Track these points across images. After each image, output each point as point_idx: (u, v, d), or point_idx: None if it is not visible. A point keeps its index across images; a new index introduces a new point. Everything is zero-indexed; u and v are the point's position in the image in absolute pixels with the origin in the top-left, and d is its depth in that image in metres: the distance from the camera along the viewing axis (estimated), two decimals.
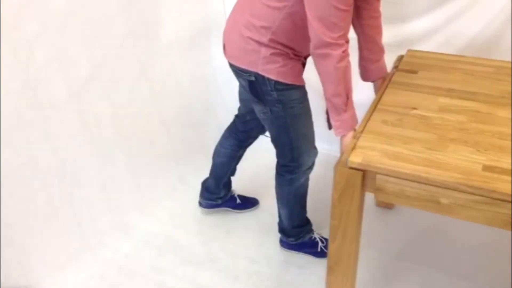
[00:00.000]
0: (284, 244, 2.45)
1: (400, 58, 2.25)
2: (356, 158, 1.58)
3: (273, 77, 1.92)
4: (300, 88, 2.01)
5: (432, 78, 2.02)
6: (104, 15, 2.42)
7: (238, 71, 2.01)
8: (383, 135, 1.69)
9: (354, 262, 1.93)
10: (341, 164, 1.66)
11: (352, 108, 1.86)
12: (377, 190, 1.59)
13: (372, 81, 2.15)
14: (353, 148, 1.66)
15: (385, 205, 2.67)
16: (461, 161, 1.54)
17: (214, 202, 2.65)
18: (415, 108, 1.82)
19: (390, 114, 1.80)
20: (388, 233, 2.53)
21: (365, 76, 2.15)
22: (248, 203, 2.74)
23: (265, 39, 1.87)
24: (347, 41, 1.77)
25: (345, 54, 1.75)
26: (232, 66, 2.03)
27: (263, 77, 1.93)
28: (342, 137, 1.85)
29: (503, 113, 1.77)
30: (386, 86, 1.99)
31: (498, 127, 1.70)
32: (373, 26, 2.06)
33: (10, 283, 2.18)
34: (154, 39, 2.75)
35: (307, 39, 1.76)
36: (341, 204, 1.73)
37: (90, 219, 2.48)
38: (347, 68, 1.78)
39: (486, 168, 1.51)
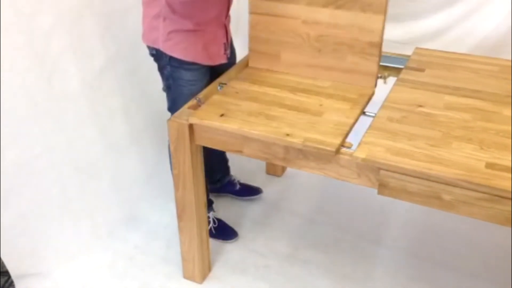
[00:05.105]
0: None
1: None
2: (360, 153, 1.60)
3: (168, 52, 2.02)
4: (196, 70, 2.07)
5: (439, 76, 2.03)
6: (120, 7, 2.46)
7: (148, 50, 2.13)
8: (388, 131, 1.70)
9: (199, 209, 2.10)
10: (172, 119, 1.87)
11: None
12: (380, 185, 1.62)
13: None
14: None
15: (273, 172, 2.92)
16: (464, 158, 1.55)
17: (214, 186, 2.68)
18: (421, 106, 1.83)
19: (396, 111, 1.81)
20: (396, 230, 2.55)
21: None
22: (251, 190, 2.76)
23: (161, 12, 1.95)
24: None
25: None
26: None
27: (161, 51, 2.04)
28: None
29: (508, 111, 1.79)
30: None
31: (503, 126, 1.71)
32: None
33: (22, 270, 2.22)
34: None
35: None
36: (177, 154, 1.95)
37: (101, 210, 2.52)
38: None
39: (489, 165, 1.52)
